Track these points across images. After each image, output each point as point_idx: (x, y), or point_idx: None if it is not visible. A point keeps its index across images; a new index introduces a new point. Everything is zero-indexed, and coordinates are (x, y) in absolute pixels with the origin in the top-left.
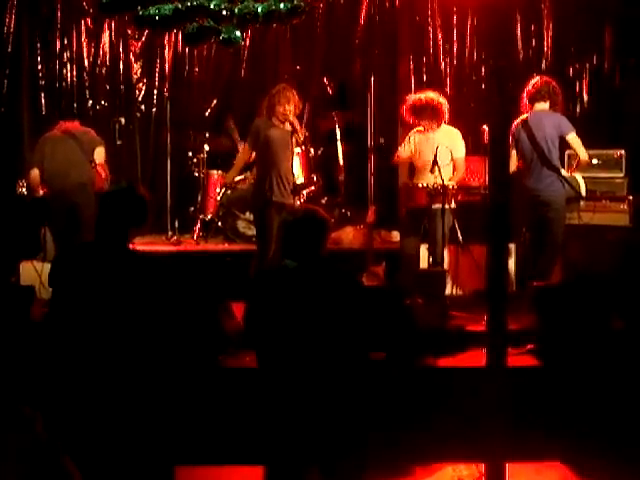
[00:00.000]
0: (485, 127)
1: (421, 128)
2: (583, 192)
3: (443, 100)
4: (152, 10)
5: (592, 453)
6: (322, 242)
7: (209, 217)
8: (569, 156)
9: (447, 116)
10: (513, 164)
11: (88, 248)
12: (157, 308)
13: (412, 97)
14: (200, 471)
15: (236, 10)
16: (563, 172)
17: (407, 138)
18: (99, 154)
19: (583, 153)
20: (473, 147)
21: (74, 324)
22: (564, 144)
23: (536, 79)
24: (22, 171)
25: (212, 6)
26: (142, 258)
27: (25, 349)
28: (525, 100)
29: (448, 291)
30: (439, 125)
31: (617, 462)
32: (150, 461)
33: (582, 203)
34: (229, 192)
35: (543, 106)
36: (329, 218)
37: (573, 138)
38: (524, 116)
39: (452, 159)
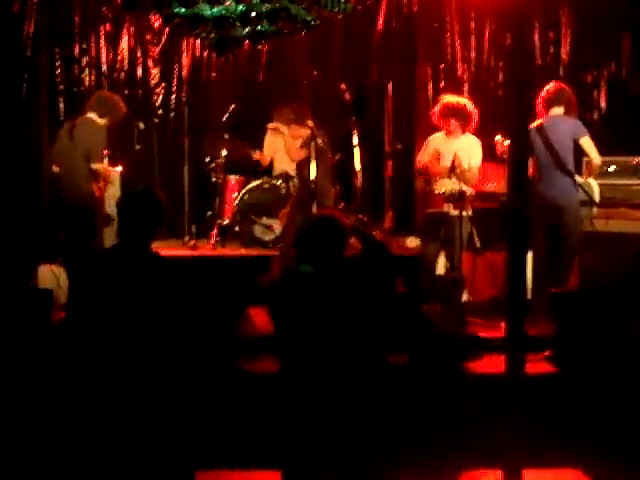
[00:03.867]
0: (498, 137)
1: (441, 133)
2: (597, 198)
3: (474, 110)
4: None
5: (612, 461)
6: (342, 246)
7: (226, 222)
8: (586, 162)
9: (474, 126)
10: (529, 170)
11: (112, 253)
12: (179, 312)
13: (446, 98)
14: (219, 475)
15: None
16: (577, 178)
17: (426, 143)
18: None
19: (596, 157)
20: (491, 153)
21: (100, 328)
22: (580, 151)
23: (550, 85)
24: (40, 175)
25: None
26: (166, 262)
27: (46, 352)
28: (540, 106)
29: (465, 297)
30: (464, 132)
31: (637, 470)
32: (171, 466)
33: (595, 210)
34: (246, 197)
35: (558, 111)
36: (348, 223)
37: (586, 141)
38: (539, 121)
39: (469, 166)
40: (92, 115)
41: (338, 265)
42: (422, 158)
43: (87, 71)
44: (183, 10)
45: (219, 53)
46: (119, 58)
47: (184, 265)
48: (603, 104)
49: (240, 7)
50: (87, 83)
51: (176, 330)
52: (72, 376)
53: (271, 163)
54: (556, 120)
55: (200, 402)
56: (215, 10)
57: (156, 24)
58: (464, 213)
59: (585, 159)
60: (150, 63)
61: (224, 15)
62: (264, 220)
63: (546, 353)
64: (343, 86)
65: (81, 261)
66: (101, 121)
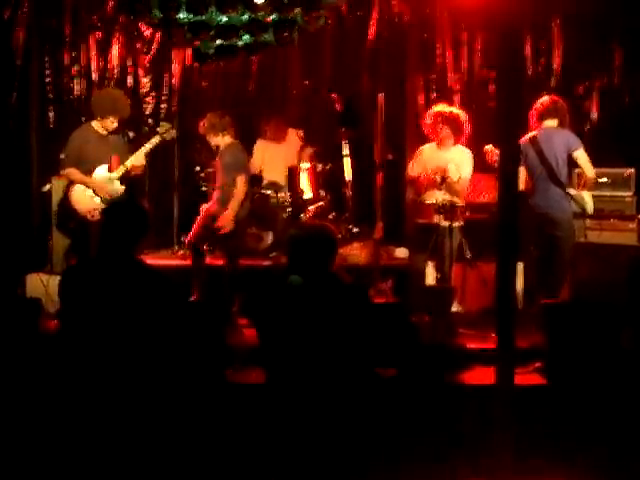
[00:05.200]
0: (488, 147)
1: (432, 144)
2: (590, 210)
3: (466, 120)
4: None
5: (601, 472)
6: (331, 258)
7: None
8: (578, 174)
9: (465, 137)
10: (522, 182)
11: (95, 261)
12: (164, 321)
13: (438, 107)
14: None
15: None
16: (571, 190)
17: (417, 154)
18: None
19: (590, 170)
20: (483, 165)
21: (85, 337)
22: (572, 162)
23: (544, 98)
24: (30, 184)
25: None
26: (149, 271)
27: (34, 361)
28: (533, 118)
29: (455, 308)
30: (455, 143)
31: None
32: (156, 474)
33: (588, 221)
34: None
35: (552, 123)
36: (337, 234)
37: (580, 154)
38: (532, 133)
39: (459, 178)
40: (94, 121)
41: (327, 276)
42: (413, 169)
43: (77, 80)
44: (184, 16)
45: (200, 62)
46: (109, 66)
47: (168, 274)
48: (594, 115)
49: (246, 16)
50: (77, 92)
51: (159, 338)
52: (60, 384)
53: (260, 173)
54: (550, 132)
55: (186, 412)
56: (221, 18)
57: (146, 33)
58: (454, 224)
59: (576, 171)
60: (140, 72)
61: (229, 24)
62: (254, 230)
63: (536, 365)
64: (334, 96)
65: (65, 269)
66: (101, 124)
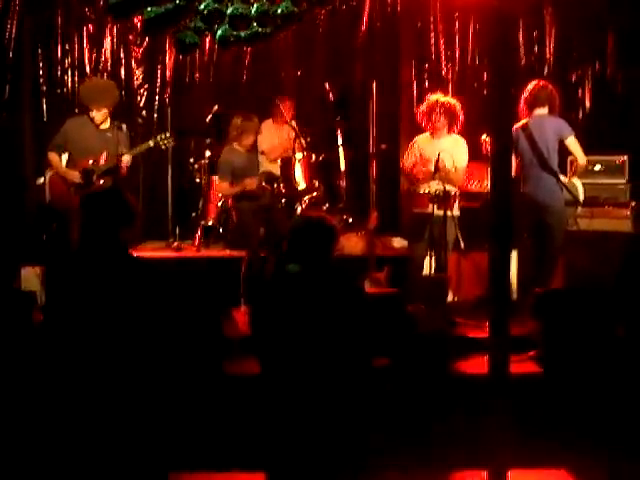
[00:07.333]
0: (484, 137)
1: (426, 134)
2: (581, 198)
3: (460, 109)
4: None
5: (596, 460)
6: (331, 248)
7: (210, 223)
8: (571, 162)
9: (459, 126)
10: (512, 170)
11: (81, 252)
12: (155, 313)
13: (433, 97)
14: (197, 478)
15: (228, 11)
16: (562, 177)
17: (411, 145)
18: None
19: (581, 157)
20: (475, 153)
21: (72, 329)
22: (564, 150)
23: (532, 84)
24: (24, 177)
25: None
26: (138, 262)
27: (26, 354)
28: (523, 106)
29: (450, 298)
30: (449, 132)
31: (621, 470)
32: (146, 467)
33: (579, 209)
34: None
35: (543, 111)
36: (337, 225)
37: (572, 141)
38: (524, 121)
39: (454, 166)
40: (92, 112)
41: (326, 265)
42: (407, 161)
43: (70, 72)
44: (205, 5)
45: (183, 53)
46: (102, 59)
47: (158, 265)
48: (587, 103)
49: (257, 6)
50: (70, 84)
51: (151, 331)
52: (50, 377)
53: None
54: (541, 120)
55: (180, 403)
56: (233, 7)
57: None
58: (449, 213)
59: (570, 158)
60: (133, 64)
61: (242, 14)
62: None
63: (531, 353)
64: (327, 86)
65: (51, 260)
66: (92, 115)
